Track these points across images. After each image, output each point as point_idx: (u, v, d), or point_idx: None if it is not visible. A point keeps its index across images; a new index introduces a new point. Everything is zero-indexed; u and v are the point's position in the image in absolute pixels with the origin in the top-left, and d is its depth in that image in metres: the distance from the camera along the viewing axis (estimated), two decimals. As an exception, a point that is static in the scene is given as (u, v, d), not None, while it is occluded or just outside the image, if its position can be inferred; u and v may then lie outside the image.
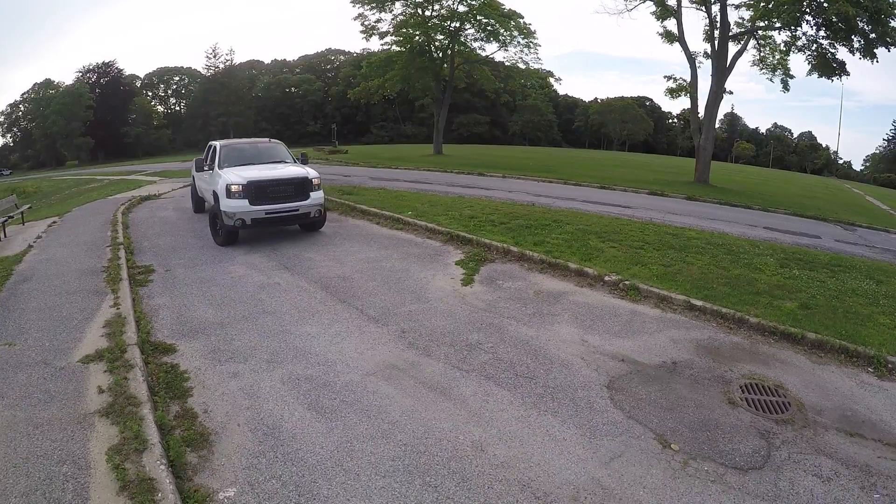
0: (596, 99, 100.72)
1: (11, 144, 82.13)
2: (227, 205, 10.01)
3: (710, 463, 4.02)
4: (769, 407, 4.93)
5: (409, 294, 7.67)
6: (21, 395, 4.67)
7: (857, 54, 21.60)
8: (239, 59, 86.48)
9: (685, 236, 11.13)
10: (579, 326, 6.54)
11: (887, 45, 20.73)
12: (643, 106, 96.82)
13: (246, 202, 10.01)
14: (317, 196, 10.88)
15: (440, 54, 37.27)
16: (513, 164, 31.89)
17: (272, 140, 13.98)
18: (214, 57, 78.86)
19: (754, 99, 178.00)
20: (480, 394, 4.93)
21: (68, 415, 4.34)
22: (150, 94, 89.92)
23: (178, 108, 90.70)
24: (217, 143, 12.26)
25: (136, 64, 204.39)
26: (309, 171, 11.15)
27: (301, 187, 10.70)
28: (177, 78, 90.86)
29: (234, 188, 10.01)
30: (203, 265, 9.13)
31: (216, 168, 11.23)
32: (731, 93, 25.75)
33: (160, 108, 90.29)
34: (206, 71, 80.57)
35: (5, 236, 12.22)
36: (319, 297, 7.53)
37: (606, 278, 8.07)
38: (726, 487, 3.75)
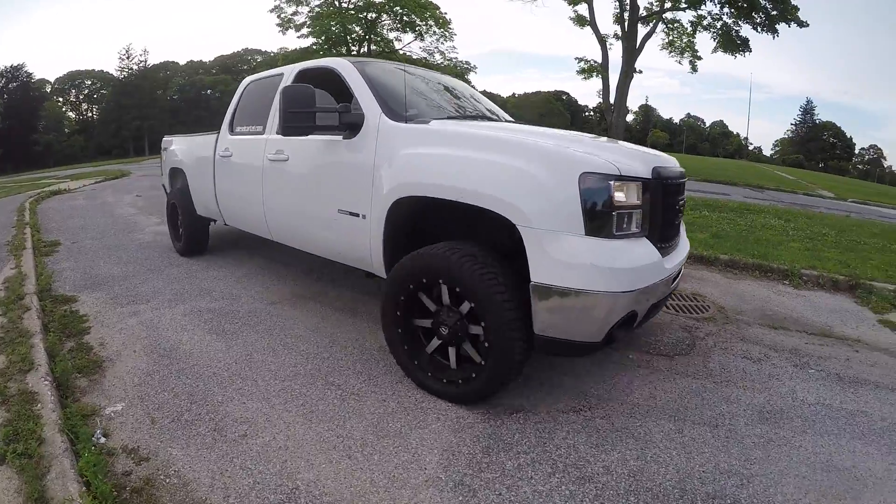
0: (513, 94, 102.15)
1: None
2: (607, 263, 2.63)
3: (633, 352, 4.07)
4: (687, 309, 5.04)
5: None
6: None
7: (760, 29, 22.99)
8: (153, 59, 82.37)
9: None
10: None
11: (787, 21, 22.16)
12: (560, 100, 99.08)
13: (651, 249, 2.91)
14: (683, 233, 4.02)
15: (357, 47, 36.73)
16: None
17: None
18: (128, 58, 74.64)
19: (669, 93, 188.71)
20: (394, 310, 4.83)
21: (-58, 350, 3.92)
22: (60, 99, 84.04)
23: (90, 115, 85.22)
24: (336, 63, 4.51)
25: (46, 68, 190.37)
26: None
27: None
28: (89, 81, 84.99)
29: (632, 189, 2.78)
30: (112, 236, 8.57)
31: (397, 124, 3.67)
32: (640, 72, 26.73)
33: (72, 115, 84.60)
34: (119, 73, 75.93)
35: None
36: (227, 249, 7.33)
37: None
38: (653, 370, 3.79)
